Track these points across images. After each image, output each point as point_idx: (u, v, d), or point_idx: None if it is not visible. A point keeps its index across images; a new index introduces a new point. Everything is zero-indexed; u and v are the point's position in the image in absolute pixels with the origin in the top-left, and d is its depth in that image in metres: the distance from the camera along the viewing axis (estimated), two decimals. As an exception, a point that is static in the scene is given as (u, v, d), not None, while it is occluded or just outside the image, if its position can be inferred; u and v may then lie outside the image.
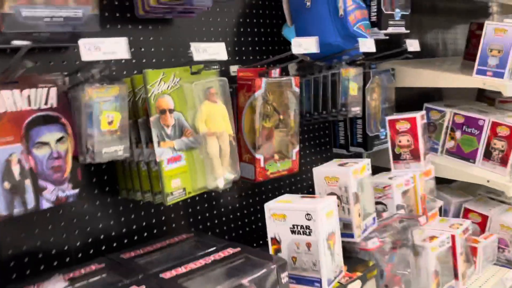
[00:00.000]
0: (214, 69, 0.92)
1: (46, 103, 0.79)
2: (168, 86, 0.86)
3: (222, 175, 0.91)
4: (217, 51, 0.84)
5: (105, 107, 0.77)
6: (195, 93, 0.87)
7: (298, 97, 1.19)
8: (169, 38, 1.11)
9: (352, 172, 0.98)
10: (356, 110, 1.25)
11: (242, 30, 1.26)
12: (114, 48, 0.71)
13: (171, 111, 0.86)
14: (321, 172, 1.01)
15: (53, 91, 0.80)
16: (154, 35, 1.08)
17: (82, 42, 0.68)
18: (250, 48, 1.29)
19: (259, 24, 1.30)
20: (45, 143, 0.78)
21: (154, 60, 1.08)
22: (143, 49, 1.06)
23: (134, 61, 1.04)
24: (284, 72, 1.32)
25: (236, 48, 1.25)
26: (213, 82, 0.90)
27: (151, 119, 0.83)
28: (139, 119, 0.86)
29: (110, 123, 0.78)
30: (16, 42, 0.67)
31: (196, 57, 0.82)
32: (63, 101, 0.81)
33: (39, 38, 0.81)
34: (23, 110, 0.76)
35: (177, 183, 0.87)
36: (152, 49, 1.08)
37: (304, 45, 0.99)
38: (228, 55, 1.23)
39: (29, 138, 0.76)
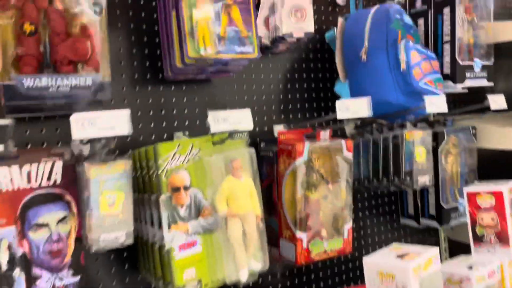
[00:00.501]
0: (241, 137, 0.80)
1: (49, 179, 0.71)
2: (185, 159, 0.74)
3: (246, 265, 0.76)
4: (240, 119, 0.71)
5: (107, 187, 0.67)
6: (215, 167, 0.75)
7: (351, 164, 1.01)
8: (205, 98, 1.01)
9: (413, 270, 0.77)
10: (424, 180, 1.04)
11: (289, 86, 1.13)
12: (114, 122, 0.61)
13: (186, 188, 0.74)
14: (373, 265, 0.82)
15: (58, 165, 0.72)
16: (188, 95, 0.99)
17: (74, 118, 0.59)
18: (299, 106, 1.15)
19: (309, 79, 1.17)
20: (44, 225, 0.70)
21: (187, 123, 0.99)
22: (175, 111, 0.98)
23: (164, 124, 0.96)
24: (340, 131, 1.16)
25: (282, 106, 1.12)
26: (239, 153, 0.77)
27: (161, 198, 0.71)
28: (152, 196, 0.76)
29: (111, 205, 0.67)
30: (-2, 121, 0.61)
31: (214, 128, 0.70)
32: (70, 176, 0.73)
33: (50, 107, 0.75)
34: (21, 188, 0.69)
35: (191, 273, 0.73)
36: (185, 111, 0.99)
37: (352, 109, 0.83)
38: (274, 113, 1.12)
39: (25, 219, 0.69)
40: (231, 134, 0.76)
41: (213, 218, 0.75)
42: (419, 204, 1.22)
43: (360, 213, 1.26)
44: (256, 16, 0.86)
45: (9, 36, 0.66)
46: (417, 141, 1.04)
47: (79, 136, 0.59)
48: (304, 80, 1.16)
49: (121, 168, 0.68)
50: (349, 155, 1.00)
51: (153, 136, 0.95)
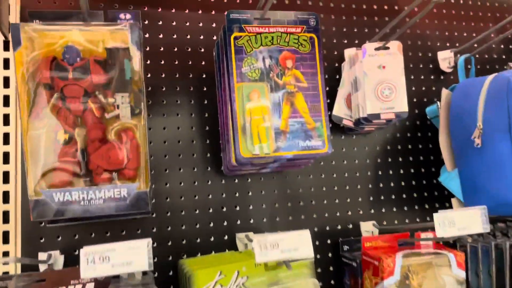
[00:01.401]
0: (305, 260, 0.62)
1: (77, 305, 0.62)
2: (228, 290, 0.60)
3: None
4: (297, 245, 0.55)
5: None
6: (266, 303, 0.59)
7: (463, 282, 0.76)
8: (273, 191, 0.87)
9: None
10: None
11: (381, 173, 0.93)
12: (130, 256, 0.50)
13: (228, 329, 0.59)
14: None
15: (89, 287, 0.63)
16: (253, 189, 0.86)
17: (84, 252, 0.49)
18: (393, 197, 0.94)
19: (407, 164, 0.95)
20: None
21: (251, 222, 0.85)
22: (238, 208, 0.85)
23: (225, 223, 0.83)
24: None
25: (372, 198, 0.92)
26: (298, 285, 0.60)
27: None
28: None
29: None
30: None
31: (261, 258, 0.54)
32: (103, 298, 0.63)
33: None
34: (44, 317, 0.60)
35: None
36: (251, 207, 0.85)
37: (459, 224, 0.61)
38: (360, 207, 0.92)
39: None
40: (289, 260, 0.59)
41: None
42: None
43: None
44: (326, 102, 0.71)
45: (43, 146, 0.61)
46: None
47: (88, 275, 0.49)
48: (400, 165, 0.94)
49: (148, 302, 0.56)
50: (461, 273, 0.75)
51: (212, 238, 0.82)
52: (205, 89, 0.86)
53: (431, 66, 1.00)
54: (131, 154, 0.62)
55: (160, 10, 0.85)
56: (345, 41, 0.95)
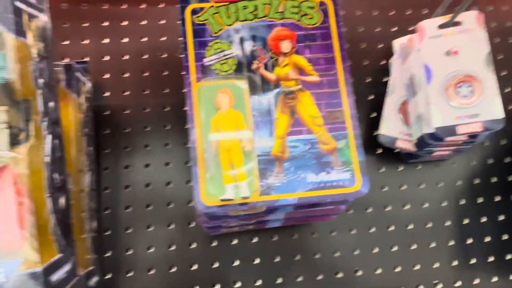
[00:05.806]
0: None
1: None
2: None
3: None
4: None
5: None
6: None
7: None
8: (292, 256, 0.56)
9: None
10: None
11: (468, 221, 0.59)
12: None
13: None
14: None
15: None
16: (254, 248, 0.56)
17: None
18: (493, 258, 0.58)
19: (505, 205, 0.60)
20: None
21: (261, 305, 0.55)
22: (238, 285, 0.55)
23: (221, 307, 0.54)
24: None
25: (457, 261, 0.58)
26: None
27: None
28: None
29: None
30: None
31: None
32: None
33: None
34: None
35: None
36: (259, 282, 0.56)
37: None
38: (439, 277, 0.57)
39: None
40: None
41: None
42: None
43: None
44: (354, 105, 0.41)
45: None
46: None
47: None
48: (497, 209, 0.60)
49: None
50: None
51: (199, 332, 0.53)
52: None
53: (533, 55, 0.66)
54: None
55: (126, 6, 0.63)
56: (395, 29, 0.65)
